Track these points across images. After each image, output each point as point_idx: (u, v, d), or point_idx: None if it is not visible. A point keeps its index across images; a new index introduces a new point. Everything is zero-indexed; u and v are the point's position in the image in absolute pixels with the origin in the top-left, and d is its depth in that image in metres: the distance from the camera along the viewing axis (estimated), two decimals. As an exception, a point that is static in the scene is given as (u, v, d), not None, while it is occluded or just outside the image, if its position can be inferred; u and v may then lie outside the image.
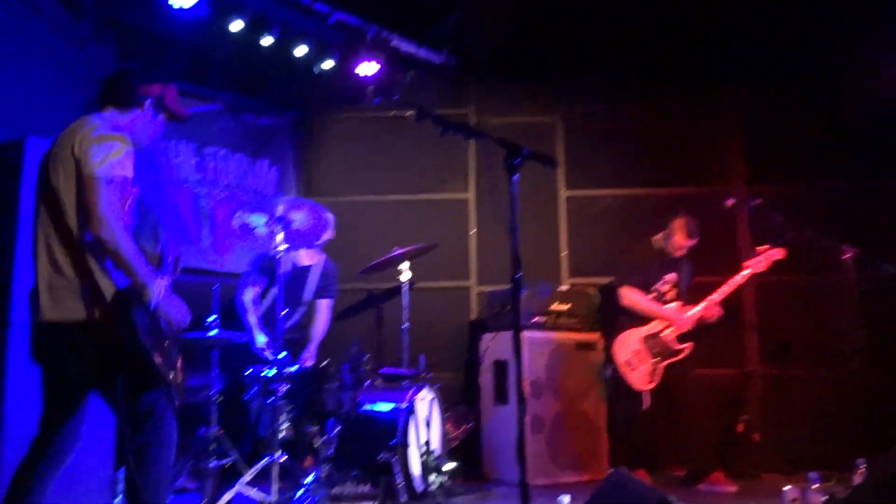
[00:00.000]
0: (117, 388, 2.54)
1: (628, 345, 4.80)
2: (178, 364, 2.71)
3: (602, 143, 6.00)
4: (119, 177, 2.49)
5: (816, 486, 3.51)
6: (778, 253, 4.75)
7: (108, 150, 2.49)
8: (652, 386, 4.74)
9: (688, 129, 5.98)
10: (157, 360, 2.50)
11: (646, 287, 4.89)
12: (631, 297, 4.85)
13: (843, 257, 4.42)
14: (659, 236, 4.98)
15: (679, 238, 4.88)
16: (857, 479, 3.66)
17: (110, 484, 3.66)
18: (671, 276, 4.94)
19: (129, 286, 2.49)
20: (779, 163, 5.81)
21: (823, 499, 3.49)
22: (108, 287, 2.49)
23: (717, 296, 4.78)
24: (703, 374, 5.39)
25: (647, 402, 4.74)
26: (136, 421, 2.54)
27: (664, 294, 4.91)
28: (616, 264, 5.11)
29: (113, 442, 3.62)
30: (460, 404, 5.29)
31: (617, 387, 4.86)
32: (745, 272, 4.77)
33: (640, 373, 4.74)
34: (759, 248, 4.78)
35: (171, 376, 2.58)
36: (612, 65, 5.93)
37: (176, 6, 4.68)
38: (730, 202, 4.91)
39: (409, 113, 2.59)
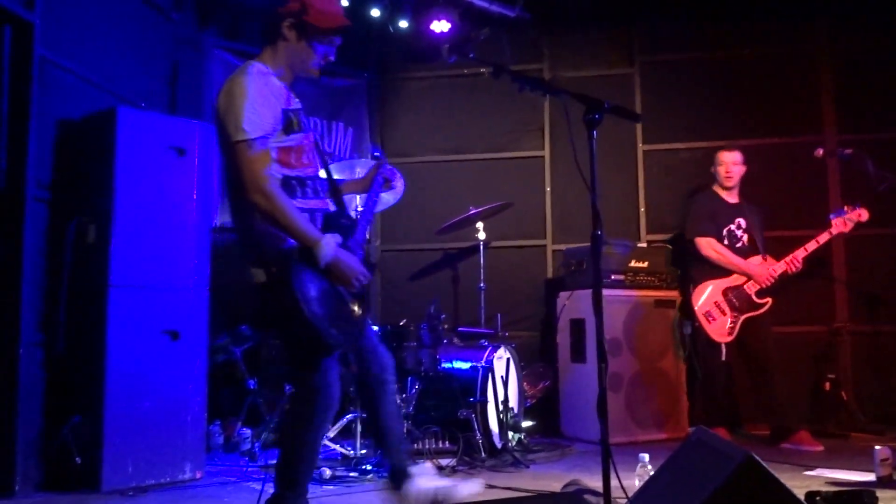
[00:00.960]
0: (285, 351, 2.61)
1: (710, 296, 4.73)
2: (362, 328, 2.61)
3: (682, 95, 5.81)
4: (256, 134, 2.37)
5: (909, 446, 3.39)
6: (863, 214, 4.62)
7: (240, 109, 2.37)
8: (730, 339, 4.69)
9: (773, 76, 5.70)
10: (322, 326, 2.37)
11: (718, 231, 4.83)
12: (711, 247, 4.78)
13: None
14: (715, 181, 4.99)
15: (721, 156, 4.90)
16: (954, 439, 3.52)
17: (203, 439, 3.84)
18: (741, 221, 4.88)
19: (295, 247, 2.41)
20: (872, 110, 5.50)
21: (917, 459, 3.38)
22: (272, 250, 2.44)
23: (802, 252, 4.66)
24: (790, 332, 5.28)
25: (725, 354, 4.67)
26: (296, 387, 2.59)
27: (739, 238, 4.84)
28: (684, 216, 5.04)
29: (206, 397, 3.79)
30: (537, 363, 5.31)
31: (696, 339, 4.78)
32: (831, 231, 4.63)
33: (719, 325, 4.69)
34: (844, 209, 4.65)
35: (339, 342, 2.46)
36: (692, 10, 5.70)
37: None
38: (819, 152, 4.73)
39: (486, 70, 2.56)
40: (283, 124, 2.48)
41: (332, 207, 2.67)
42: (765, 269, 4.69)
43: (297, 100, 2.66)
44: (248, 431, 4.41)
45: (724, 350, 4.68)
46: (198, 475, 3.70)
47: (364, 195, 2.90)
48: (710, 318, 4.70)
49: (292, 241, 2.42)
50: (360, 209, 3.67)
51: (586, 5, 5.79)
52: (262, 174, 2.37)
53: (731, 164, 4.88)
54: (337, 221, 2.63)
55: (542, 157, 5.95)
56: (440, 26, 5.43)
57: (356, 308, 2.59)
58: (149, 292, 3.59)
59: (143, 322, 3.56)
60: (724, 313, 4.71)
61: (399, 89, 6.22)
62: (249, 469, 3.92)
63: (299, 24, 2.53)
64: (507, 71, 2.49)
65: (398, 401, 2.80)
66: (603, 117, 2.31)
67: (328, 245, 2.41)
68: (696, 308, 4.72)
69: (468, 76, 5.95)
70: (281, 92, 2.53)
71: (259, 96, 2.41)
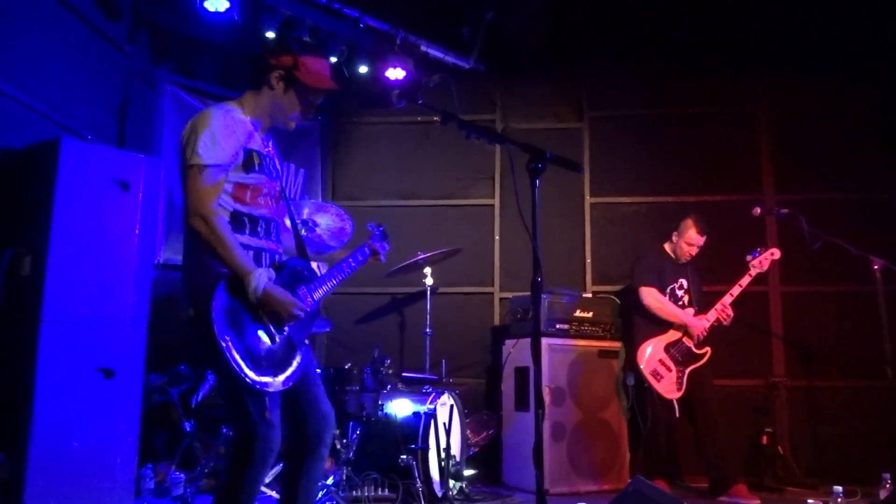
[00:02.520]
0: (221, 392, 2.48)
1: (652, 354, 4.78)
2: (293, 365, 2.48)
3: (628, 150, 5.98)
4: (210, 161, 2.40)
5: (841, 499, 3.46)
6: (776, 252, 4.84)
7: (199, 137, 2.42)
8: (680, 394, 4.74)
9: (715, 135, 5.94)
10: (238, 360, 2.31)
11: (662, 287, 4.92)
12: (653, 296, 4.87)
13: (872, 268, 4.37)
14: (669, 241, 5.06)
15: (690, 234, 4.92)
16: (883, 493, 3.60)
17: (132, 482, 3.70)
18: (683, 282, 4.99)
19: (224, 279, 2.38)
20: (809, 170, 5.76)
21: (848, 513, 3.44)
22: (202, 279, 2.40)
23: (728, 298, 4.81)
24: (728, 385, 5.37)
25: (678, 410, 4.72)
26: (234, 431, 2.48)
27: (680, 298, 4.96)
28: (632, 267, 5.12)
29: (137, 439, 3.66)
30: (482, 410, 5.29)
31: (645, 397, 4.81)
32: (750, 273, 4.81)
33: (668, 382, 4.74)
34: (757, 250, 4.86)
35: (263, 379, 2.37)
36: (639, 68, 5.91)
37: (210, 10, 4.76)
38: (757, 211, 4.90)
39: (435, 117, 2.59)
40: (242, 160, 2.51)
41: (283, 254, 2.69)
42: (699, 320, 4.80)
43: (269, 146, 2.70)
44: (181, 476, 4.26)
45: (676, 407, 4.72)
46: (125, 521, 3.55)
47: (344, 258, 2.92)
48: (657, 377, 4.74)
49: (221, 272, 2.40)
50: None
51: (538, 60, 5.97)
52: (207, 200, 2.40)
53: (698, 246, 4.96)
54: (294, 269, 2.64)
55: (492, 205, 6.02)
56: (395, 73, 5.52)
57: (295, 352, 2.52)
58: (83, 328, 3.47)
59: (76, 358, 3.42)
60: (669, 370, 4.76)
61: (352, 133, 6.26)
62: (180, 515, 3.79)
63: (288, 78, 2.61)
64: (454, 118, 2.54)
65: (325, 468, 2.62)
66: (546, 167, 2.36)
67: (260, 277, 2.39)
68: (642, 368, 4.75)
69: (421, 123, 6.04)
70: (248, 131, 2.57)
71: (221, 128, 2.46)
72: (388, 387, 4.35)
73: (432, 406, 4.18)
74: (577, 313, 5.11)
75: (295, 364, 2.51)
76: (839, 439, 5.30)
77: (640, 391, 4.88)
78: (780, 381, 5.48)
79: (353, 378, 4.03)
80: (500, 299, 5.89)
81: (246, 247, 2.50)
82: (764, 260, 4.82)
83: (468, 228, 5.97)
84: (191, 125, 2.48)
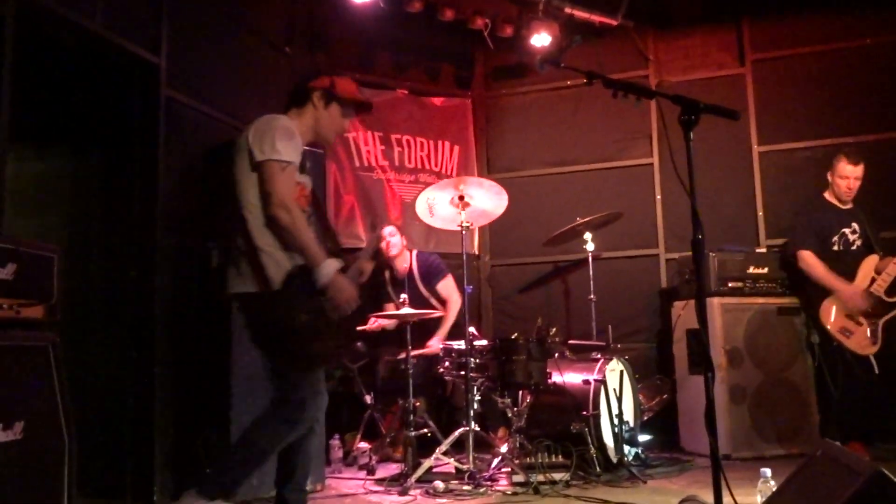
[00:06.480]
0: (275, 362, 2.77)
1: (838, 310, 4.43)
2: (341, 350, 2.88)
3: (797, 92, 5.54)
4: (286, 158, 2.68)
5: None
6: None
7: (275, 136, 2.69)
8: (877, 348, 4.34)
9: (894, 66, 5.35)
10: (312, 342, 2.65)
11: (828, 239, 4.56)
12: (808, 261, 4.54)
13: None
14: (828, 189, 4.69)
15: (842, 167, 4.55)
16: None
17: (323, 452, 3.97)
18: (855, 225, 4.59)
19: (300, 266, 2.67)
20: None
21: None
22: (277, 265, 2.67)
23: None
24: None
25: (876, 366, 4.33)
26: (280, 397, 2.73)
27: (852, 242, 4.57)
28: (791, 223, 4.77)
29: (324, 412, 3.90)
30: (654, 375, 5.16)
31: (834, 356, 4.47)
32: None
33: (859, 337, 4.38)
34: None
35: (326, 360, 2.77)
36: (806, 3, 5.44)
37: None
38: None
39: (582, 80, 2.56)
40: (298, 163, 2.80)
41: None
42: (856, 297, 4.39)
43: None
44: (365, 445, 4.53)
45: (874, 363, 4.35)
46: (318, 488, 3.83)
47: None
48: (847, 334, 4.40)
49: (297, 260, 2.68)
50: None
51: (691, 7, 5.65)
52: (288, 192, 2.67)
53: (853, 178, 4.57)
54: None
55: (651, 164, 5.82)
56: (541, 39, 5.46)
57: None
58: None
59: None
60: (859, 324, 4.40)
61: (503, 105, 6.27)
62: (367, 483, 4.04)
63: (328, 95, 2.98)
64: (599, 76, 2.48)
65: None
66: (699, 118, 2.26)
67: (329, 266, 2.66)
68: (829, 328, 4.42)
69: (571, 87, 5.93)
70: (299, 140, 2.85)
71: (289, 133, 2.76)
72: (556, 355, 4.35)
73: (601, 372, 4.14)
74: (751, 270, 4.84)
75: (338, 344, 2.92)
76: None
77: (826, 350, 4.55)
78: None
79: (519, 348, 4.07)
80: (667, 260, 5.70)
81: None
82: None
83: (628, 190, 5.80)
84: (257, 129, 2.74)
